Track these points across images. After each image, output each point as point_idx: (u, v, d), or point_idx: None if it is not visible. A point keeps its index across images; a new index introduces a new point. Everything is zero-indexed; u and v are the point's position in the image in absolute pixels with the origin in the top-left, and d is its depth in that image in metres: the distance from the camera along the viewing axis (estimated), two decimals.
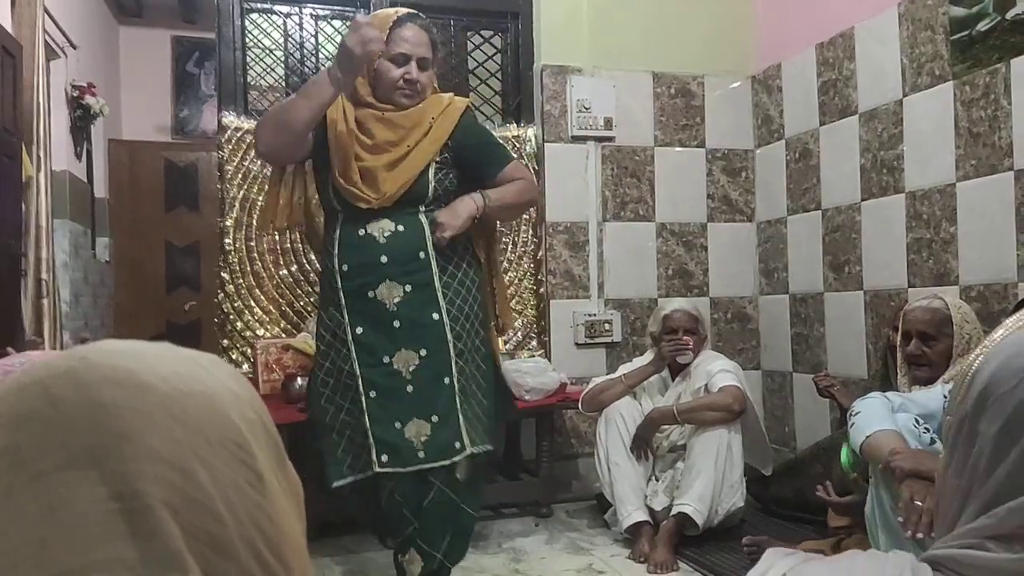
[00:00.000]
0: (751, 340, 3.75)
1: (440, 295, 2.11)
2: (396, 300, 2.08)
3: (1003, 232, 2.54)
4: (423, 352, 2.08)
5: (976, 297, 2.63)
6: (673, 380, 2.94)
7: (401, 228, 2.10)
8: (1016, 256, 2.50)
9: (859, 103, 3.12)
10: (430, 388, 2.07)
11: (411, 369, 2.07)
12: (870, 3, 3.04)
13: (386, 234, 2.08)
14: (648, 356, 2.98)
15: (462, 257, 2.18)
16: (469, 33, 3.60)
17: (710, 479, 2.65)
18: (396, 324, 2.08)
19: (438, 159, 2.14)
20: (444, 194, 2.16)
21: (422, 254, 2.10)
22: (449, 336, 2.10)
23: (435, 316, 2.09)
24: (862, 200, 3.11)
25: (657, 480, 2.86)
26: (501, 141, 2.43)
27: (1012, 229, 2.52)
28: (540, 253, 3.47)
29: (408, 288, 2.08)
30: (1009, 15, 2.51)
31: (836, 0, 3.23)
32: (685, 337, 2.85)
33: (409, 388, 2.07)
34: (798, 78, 3.45)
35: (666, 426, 2.82)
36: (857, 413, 1.83)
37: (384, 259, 2.08)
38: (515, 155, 2.31)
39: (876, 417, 1.78)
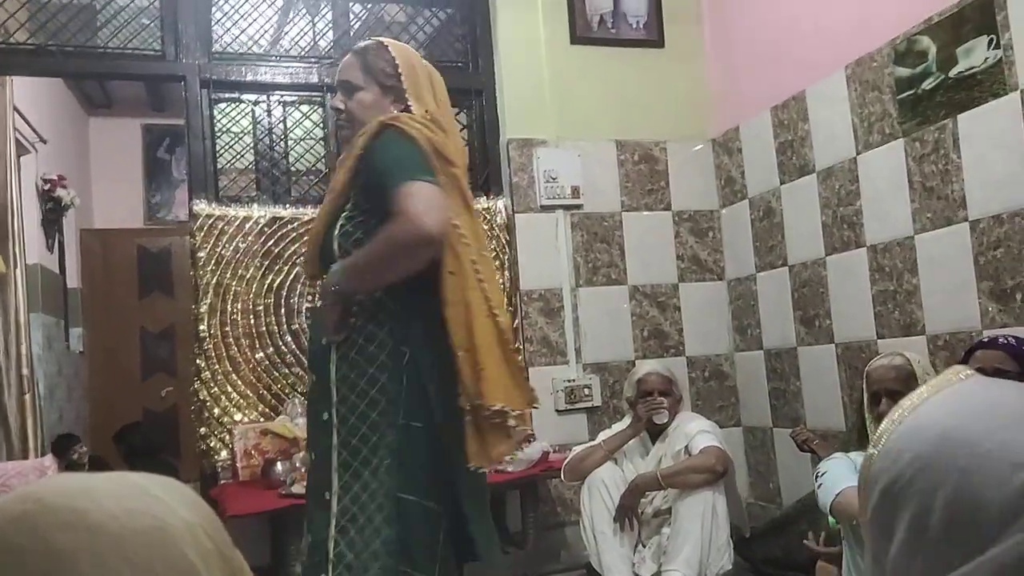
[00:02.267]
0: (730, 397, 3.76)
1: (335, 389, 1.67)
2: (308, 393, 1.79)
3: (964, 281, 2.60)
4: (313, 456, 1.73)
5: (943, 346, 2.68)
6: (653, 443, 2.95)
7: (320, 304, 1.75)
8: (978, 304, 2.56)
9: (816, 162, 3.21)
10: (311, 501, 1.71)
11: (308, 473, 1.77)
12: (819, 67, 3.15)
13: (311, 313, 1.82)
14: (627, 421, 2.99)
15: (369, 338, 1.66)
16: None
17: (697, 543, 2.63)
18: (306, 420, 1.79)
19: (349, 205, 1.70)
20: (358, 247, 1.66)
21: (324, 339, 1.71)
22: (335, 441, 1.65)
23: (324, 416, 1.68)
24: (826, 255, 3.18)
25: (644, 547, 2.83)
26: (408, 157, 1.62)
27: (972, 278, 2.58)
28: (516, 321, 3.50)
29: (314, 378, 1.74)
30: (952, 73, 2.62)
31: (786, 65, 3.35)
32: (659, 398, 2.88)
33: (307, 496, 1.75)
34: (756, 140, 3.55)
35: (650, 491, 2.82)
36: (823, 474, 1.84)
37: (311, 344, 1.81)
38: (427, 179, 1.56)
39: (843, 475, 1.79)
